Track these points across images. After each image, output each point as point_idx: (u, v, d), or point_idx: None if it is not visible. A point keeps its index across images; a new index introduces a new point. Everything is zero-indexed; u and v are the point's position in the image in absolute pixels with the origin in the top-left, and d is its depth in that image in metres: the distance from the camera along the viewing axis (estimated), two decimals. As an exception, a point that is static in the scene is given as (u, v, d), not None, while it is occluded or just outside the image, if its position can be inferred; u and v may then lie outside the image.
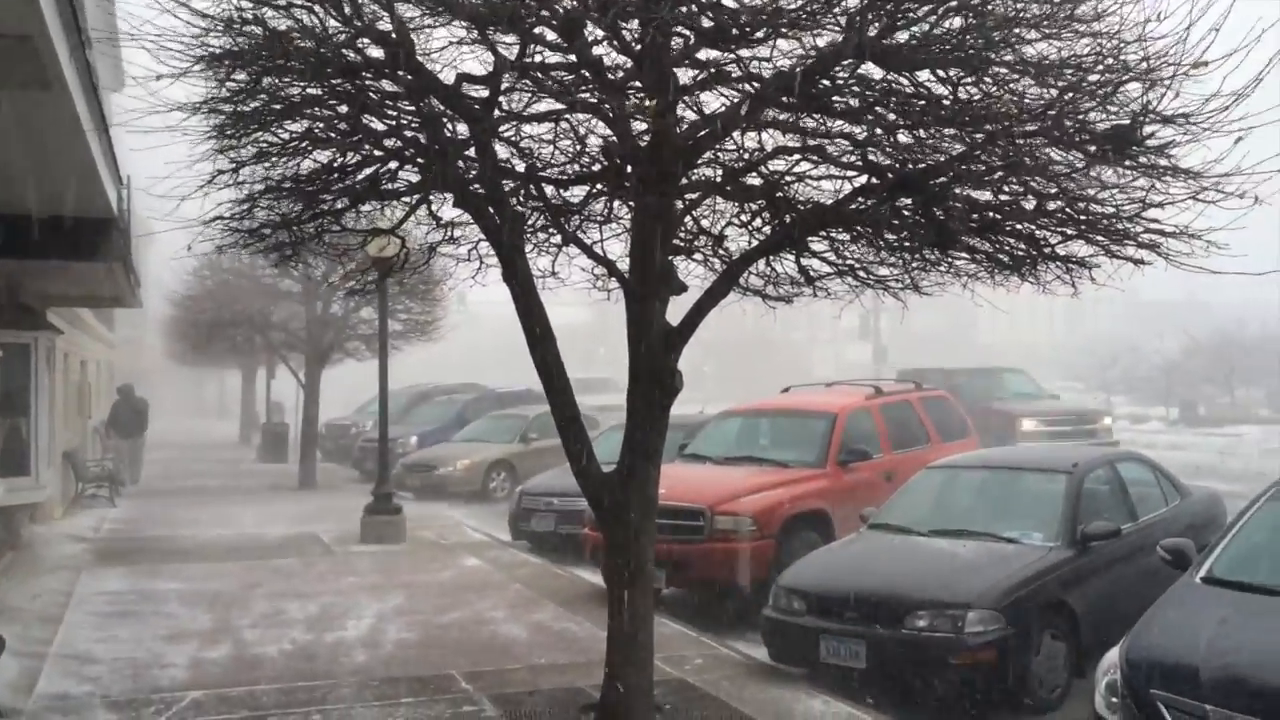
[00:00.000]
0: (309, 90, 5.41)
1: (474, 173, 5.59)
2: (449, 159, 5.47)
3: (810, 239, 6.09)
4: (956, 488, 8.48)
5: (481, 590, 9.88)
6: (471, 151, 5.62)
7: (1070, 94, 4.61)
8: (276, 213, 6.11)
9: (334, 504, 16.35)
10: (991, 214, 5.10)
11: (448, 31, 5.50)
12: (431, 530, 13.72)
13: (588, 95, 5.51)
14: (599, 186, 6.11)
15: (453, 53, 5.62)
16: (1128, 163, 4.61)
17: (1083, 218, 4.93)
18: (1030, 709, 6.40)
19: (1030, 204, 5.06)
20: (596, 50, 5.27)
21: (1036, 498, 7.71)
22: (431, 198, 6.42)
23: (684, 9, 4.96)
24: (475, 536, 13.48)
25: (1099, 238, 4.97)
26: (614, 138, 5.61)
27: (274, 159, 5.83)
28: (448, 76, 5.50)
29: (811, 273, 6.53)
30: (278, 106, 5.44)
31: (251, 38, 5.16)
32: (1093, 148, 4.55)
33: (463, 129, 5.62)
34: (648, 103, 4.96)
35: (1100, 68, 4.64)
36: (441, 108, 5.55)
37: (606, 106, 5.38)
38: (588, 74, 5.36)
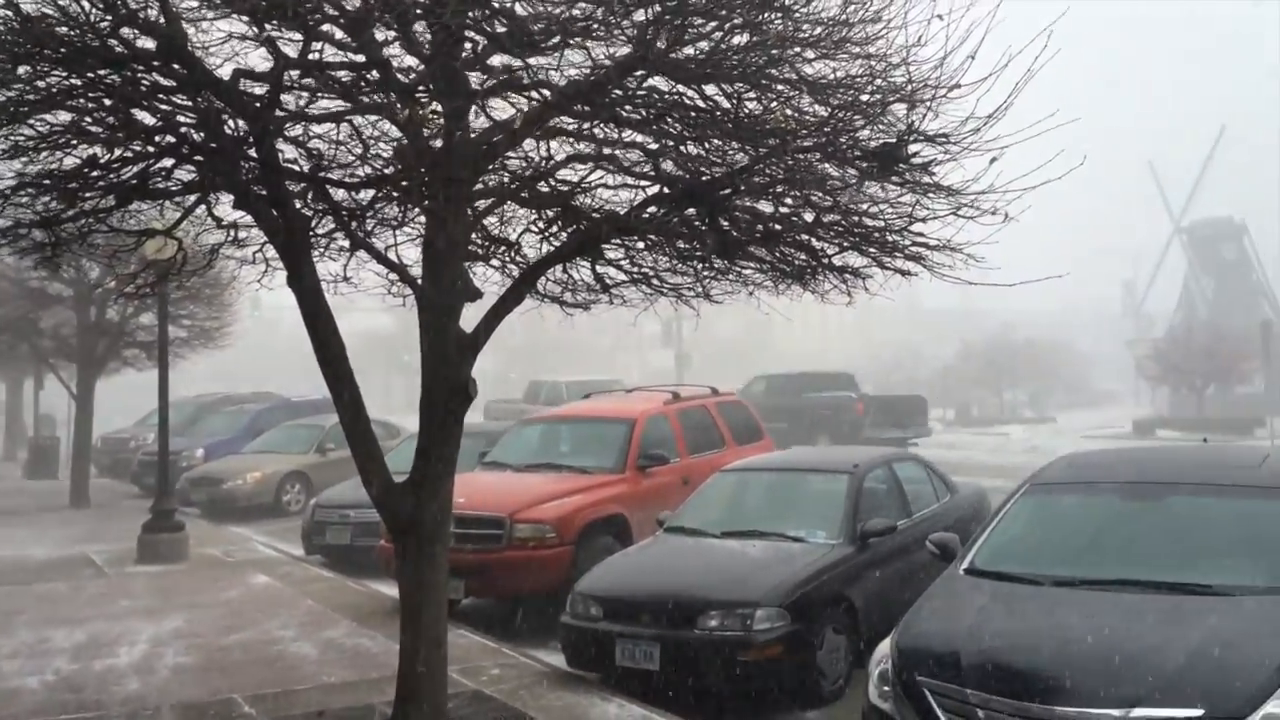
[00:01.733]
0: (70, 80, 5.05)
1: (254, 173, 5.36)
2: (227, 158, 5.22)
3: (605, 247, 6.16)
4: (748, 490, 8.77)
5: (270, 609, 9.46)
6: (253, 150, 5.39)
7: (844, 112, 4.86)
8: (34, 211, 5.66)
9: (109, 522, 15.32)
10: (773, 225, 5.31)
11: (229, 25, 5.27)
12: (217, 547, 13.05)
13: (378, 96, 5.39)
14: (389, 190, 5.97)
15: (236, 46, 5.38)
16: (895, 179, 4.89)
17: (856, 230, 5.20)
18: (815, 700, 6.66)
19: (809, 216, 5.30)
20: (388, 51, 5.17)
21: (821, 498, 8.05)
22: (211, 198, 6.11)
23: (474, 14, 4.92)
24: (265, 552, 12.90)
25: (871, 249, 5.25)
26: (405, 140, 5.52)
27: (31, 153, 5.40)
28: (232, 70, 5.26)
29: (607, 280, 6.60)
30: (33, 98, 5.04)
31: (4, 23, 4.77)
32: (864, 164, 4.81)
33: (245, 126, 5.38)
34: (428, 108, 4.87)
35: (871, 88, 4.91)
36: (220, 104, 5.29)
37: (399, 107, 5.27)
38: (377, 74, 5.24)
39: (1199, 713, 3.88)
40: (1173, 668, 4.09)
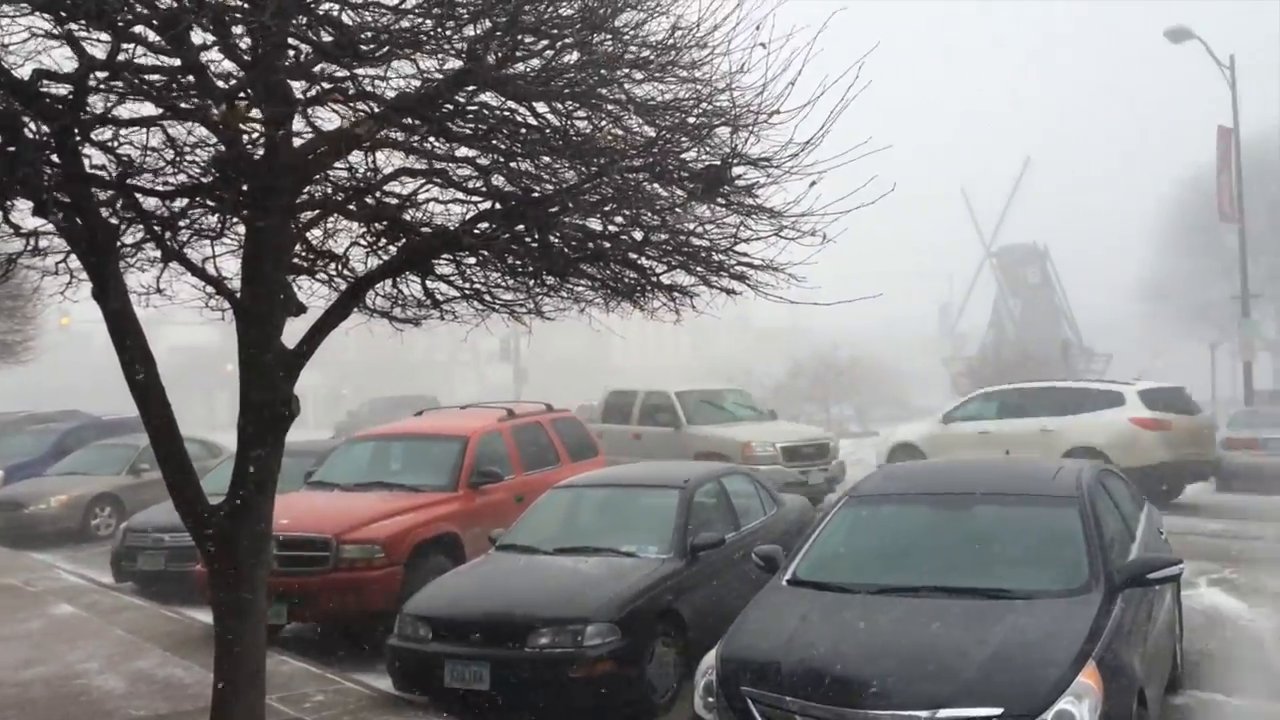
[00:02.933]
0: None
1: (56, 179, 5.05)
2: (25, 162, 4.90)
3: (436, 262, 6.09)
4: (581, 506, 8.79)
5: (74, 640, 8.87)
6: (55, 155, 5.08)
7: (671, 134, 4.97)
8: None
9: (-110, 553, 14.06)
10: (603, 243, 5.36)
11: (31, 21, 4.95)
12: (16, 576, 12.15)
13: (195, 100, 5.17)
14: (205, 199, 5.73)
15: (39, 44, 5.06)
16: (720, 200, 5.02)
17: (684, 250, 5.31)
18: (645, 714, 6.71)
19: (638, 235, 5.38)
20: (206, 56, 4.97)
21: (652, 513, 8.15)
22: (8, 204, 5.71)
23: (297, 21, 4.79)
24: (71, 580, 12.10)
25: (698, 268, 5.37)
26: (223, 148, 5.31)
27: None
28: (32, 71, 4.94)
29: (438, 295, 6.52)
30: None
31: None
32: (690, 185, 4.92)
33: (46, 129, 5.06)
34: (244, 112, 4.71)
35: (697, 112, 5.03)
36: (18, 105, 4.97)
37: (214, 113, 5.07)
38: (193, 79, 5.03)
39: (998, 711, 4.11)
40: (974, 669, 4.32)
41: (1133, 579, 5.17)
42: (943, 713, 4.17)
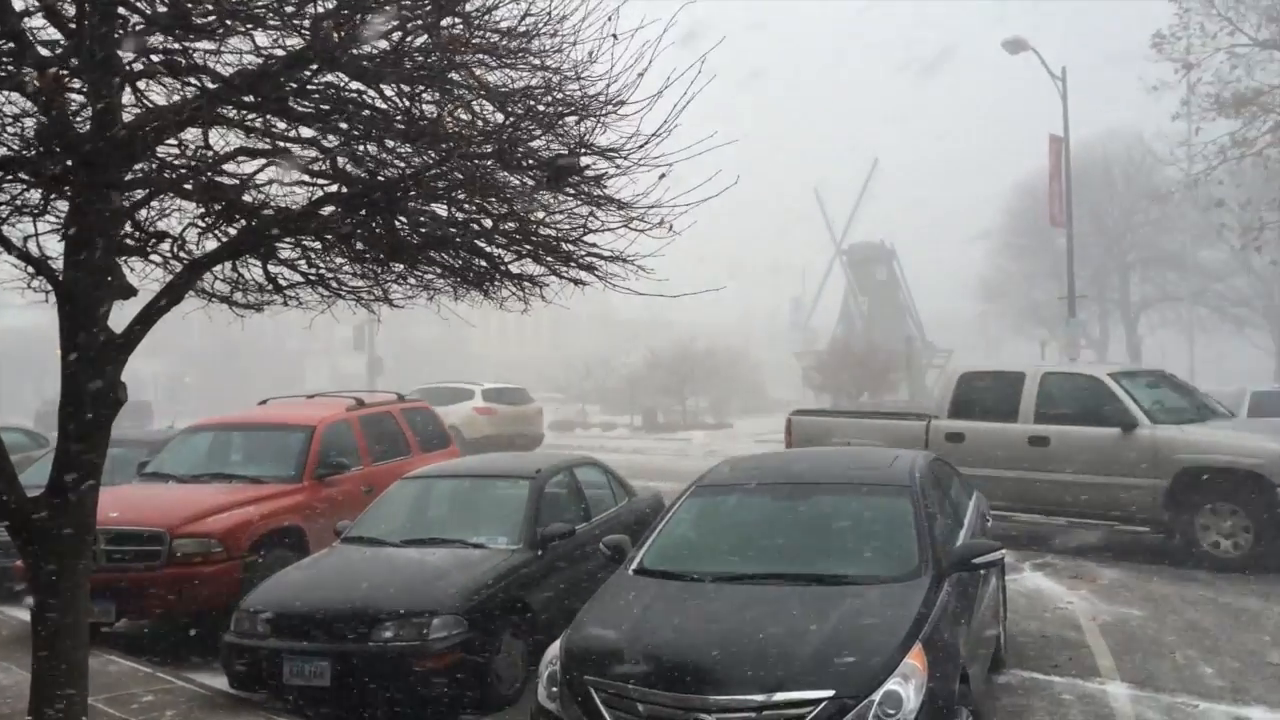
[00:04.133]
0: None
1: None
2: None
3: (279, 246, 5.89)
4: (430, 497, 8.66)
5: (-127, 645, 8.23)
6: None
7: (521, 121, 4.93)
8: None
9: None
10: (450, 230, 5.28)
11: None
12: None
13: (11, 68, 4.85)
14: (24, 173, 5.38)
15: None
16: (569, 190, 5.02)
17: (533, 239, 5.28)
18: (492, 705, 6.67)
19: (487, 223, 5.33)
20: (29, 22, 4.68)
21: (503, 503, 8.10)
22: None
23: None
24: (-128, 581, 11.19)
25: (547, 258, 5.35)
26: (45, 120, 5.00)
27: None
28: None
29: (280, 280, 6.31)
30: None
31: None
32: (539, 173, 4.90)
33: None
34: (61, 80, 4.45)
35: (547, 100, 5.01)
36: None
37: (32, 82, 4.77)
38: (13, 45, 4.73)
39: (830, 693, 4.25)
40: (809, 653, 4.46)
41: (959, 564, 5.42)
42: (778, 696, 4.28)
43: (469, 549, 7.48)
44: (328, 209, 5.49)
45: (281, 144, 5.49)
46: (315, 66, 4.93)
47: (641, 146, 4.71)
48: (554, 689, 4.78)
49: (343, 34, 4.79)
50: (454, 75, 5.04)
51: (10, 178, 5.31)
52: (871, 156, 60.09)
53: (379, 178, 5.11)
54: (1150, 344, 56.51)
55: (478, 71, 5.13)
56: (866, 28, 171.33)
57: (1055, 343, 37.06)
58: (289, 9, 4.71)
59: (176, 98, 5.23)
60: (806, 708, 4.25)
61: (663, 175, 5.10)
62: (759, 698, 4.28)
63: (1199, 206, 29.73)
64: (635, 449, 34.08)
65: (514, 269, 5.55)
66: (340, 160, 5.46)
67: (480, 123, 5.15)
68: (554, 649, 5.02)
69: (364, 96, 5.15)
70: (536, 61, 5.16)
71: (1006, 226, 57.58)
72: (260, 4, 4.67)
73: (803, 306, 71.50)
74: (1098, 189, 49.58)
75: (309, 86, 5.03)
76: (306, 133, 5.46)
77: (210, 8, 4.65)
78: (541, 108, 4.96)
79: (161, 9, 4.76)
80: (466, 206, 5.28)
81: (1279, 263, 25.87)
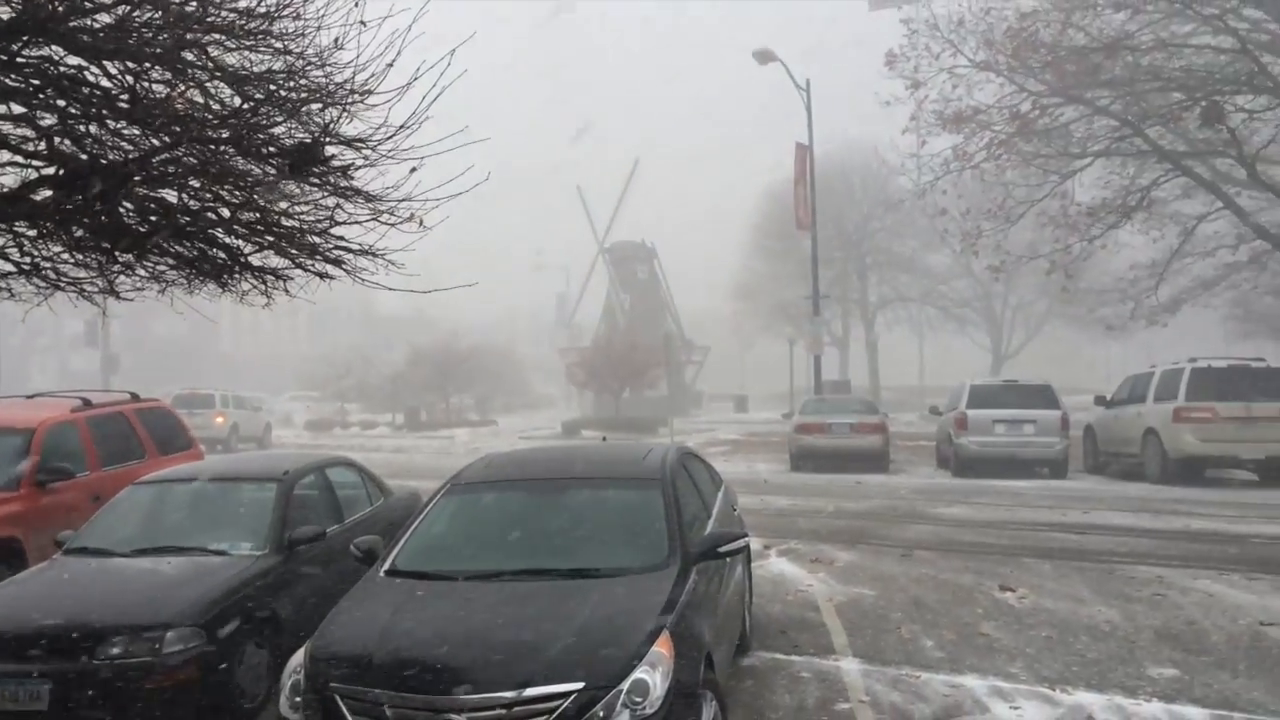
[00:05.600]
0: None
1: None
2: None
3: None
4: (167, 503, 8.10)
5: None
6: None
7: (261, 106, 4.71)
8: None
9: None
10: (183, 219, 4.98)
11: None
12: None
13: None
14: None
15: None
16: (314, 180, 4.84)
17: (275, 230, 5.06)
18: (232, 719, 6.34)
19: (225, 212, 5.05)
20: None
21: (248, 507, 7.69)
22: None
23: None
24: None
25: (291, 250, 5.14)
26: None
27: None
28: None
29: (-12, 269, 5.76)
30: None
31: None
32: (280, 161, 4.69)
33: None
34: None
35: (290, 85, 4.81)
36: None
37: None
38: None
39: (579, 685, 4.31)
40: (560, 647, 4.50)
41: (706, 553, 5.62)
42: (528, 691, 4.29)
43: (208, 556, 7.06)
44: (44, 193, 5.06)
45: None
46: (26, 38, 4.53)
47: (390, 138, 4.60)
48: (297, 699, 4.60)
49: (59, 4, 4.42)
50: (187, 55, 4.76)
51: None
52: (633, 157, 61.29)
53: (101, 161, 4.74)
54: (886, 341, 60.77)
55: (213, 52, 4.87)
56: (637, 32, 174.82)
57: (803, 340, 39.10)
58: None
59: None
60: (557, 701, 4.29)
61: (414, 169, 5.01)
62: (509, 694, 4.28)
63: (926, 214, 32.18)
64: (396, 448, 33.35)
65: (255, 261, 5.31)
66: (57, 140, 5.03)
67: (216, 106, 4.89)
68: (298, 657, 4.83)
69: (84, 73, 4.78)
70: (279, 45, 4.95)
71: (758, 229, 60.30)
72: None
73: (567, 303, 72.13)
74: (839, 195, 52.76)
75: (19, 59, 4.61)
76: (18, 109, 5.01)
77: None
78: (283, 93, 4.76)
79: None
80: (201, 194, 4.99)
81: (995, 267, 28.37)
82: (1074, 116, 26.54)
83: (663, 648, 4.55)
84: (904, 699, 6.24)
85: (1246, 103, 24.40)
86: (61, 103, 4.60)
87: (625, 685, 4.34)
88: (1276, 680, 6.46)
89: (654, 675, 4.42)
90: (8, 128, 5.12)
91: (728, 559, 6.05)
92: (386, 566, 5.65)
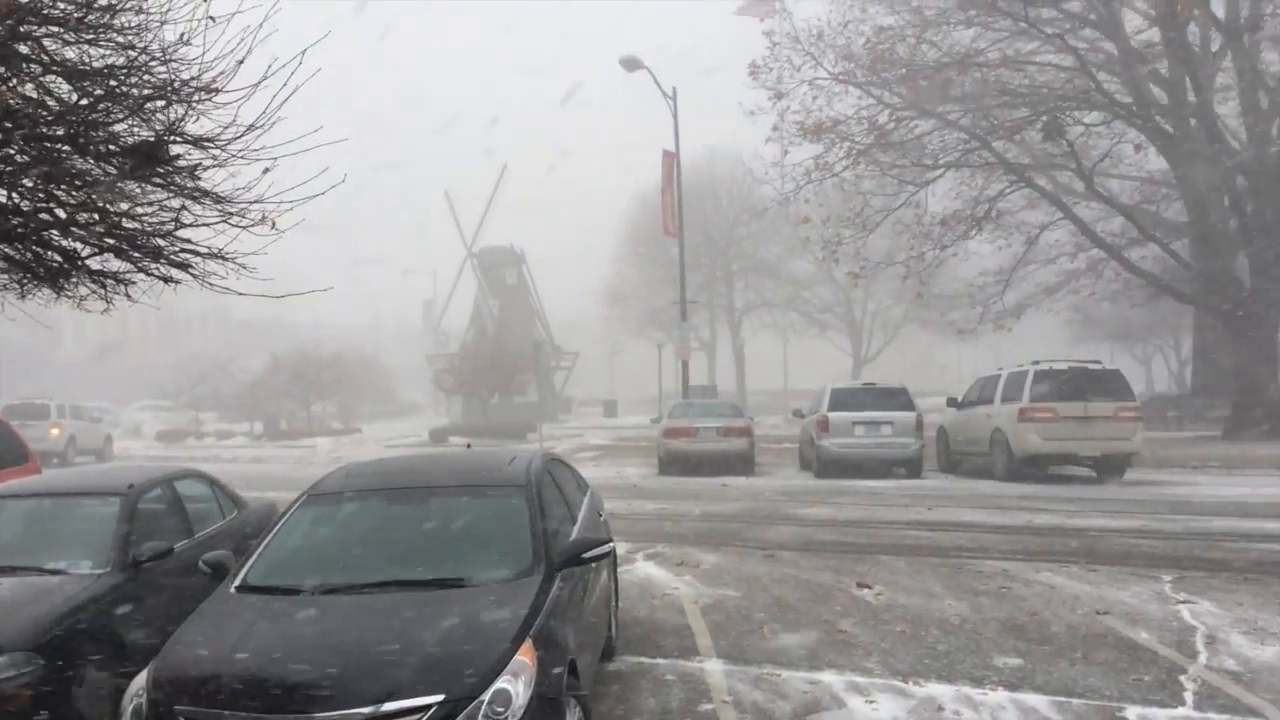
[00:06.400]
0: None
1: None
2: None
3: None
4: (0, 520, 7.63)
5: None
6: None
7: (101, 102, 4.49)
8: None
9: None
10: (16, 220, 4.70)
11: None
12: None
13: None
14: None
15: None
16: (158, 180, 4.64)
17: (116, 232, 4.82)
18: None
19: (61, 213, 4.79)
20: None
21: (89, 523, 7.30)
22: None
23: None
24: None
25: (134, 254, 4.91)
26: None
27: None
28: None
29: None
30: None
31: None
32: (122, 160, 4.48)
33: None
34: None
35: (133, 81, 4.60)
36: None
37: None
38: None
39: (440, 698, 4.23)
40: (420, 659, 4.41)
41: (570, 559, 5.60)
42: (387, 706, 4.20)
43: (44, 576, 6.67)
44: None
45: None
46: None
47: (240, 137, 4.44)
48: (139, 723, 4.38)
49: None
50: (20, 48, 4.50)
51: None
52: (502, 162, 60.90)
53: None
54: (752, 346, 61.97)
55: (50, 45, 4.61)
56: (507, 39, 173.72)
57: (671, 345, 39.51)
58: None
59: None
60: (417, 714, 4.21)
61: (267, 169, 4.85)
62: (366, 710, 4.17)
63: (790, 222, 32.98)
64: (254, 458, 32.25)
65: (94, 265, 5.04)
66: None
67: (52, 102, 4.63)
68: (141, 679, 4.61)
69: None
70: (121, 39, 4.73)
71: (629, 235, 60.73)
72: None
73: (434, 309, 71.12)
74: (707, 203, 53.61)
75: None
76: None
77: None
78: (125, 89, 4.54)
79: None
80: (34, 194, 4.72)
81: (854, 274, 29.24)
82: (927, 129, 27.62)
83: (525, 656, 4.52)
84: (765, 697, 6.36)
85: (1085, 118, 25.83)
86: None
87: (487, 696, 4.29)
88: (1111, 666, 6.83)
89: (516, 684, 4.39)
90: None
91: (593, 565, 6.05)
92: (237, 582, 5.44)
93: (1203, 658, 7.01)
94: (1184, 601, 8.62)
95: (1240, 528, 12.93)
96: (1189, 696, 6.21)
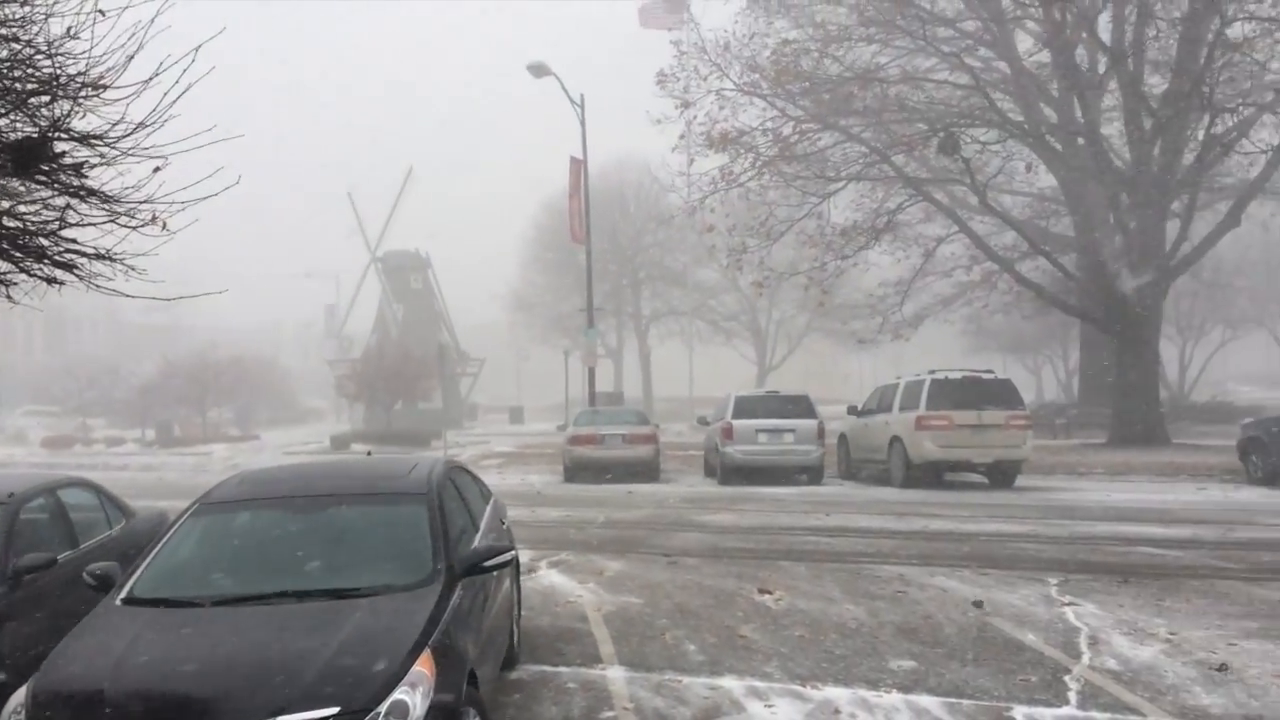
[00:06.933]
0: None
1: None
2: None
3: None
4: None
5: None
6: None
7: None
8: None
9: None
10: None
11: None
12: None
13: None
14: None
15: None
16: (42, 178, 4.47)
17: (-4, 232, 4.63)
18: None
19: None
20: None
21: (-36, 536, 6.97)
22: None
23: None
24: None
25: (15, 254, 4.72)
26: None
27: None
28: None
29: None
30: None
31: None
32: (4, 158, 4.31)
33: None
34: None
35: (16, 75, 4.43)
36: None
37: None
38: None
39: (335, 711, 4.15)
40: (314, 672, 4.32)
41: (472, 568, 5.56)
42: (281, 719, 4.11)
43: (-86, 593, 6.35)
44: None
45: None
46: None
47: (130, 134, 4.30)
48: (17, 743, 4.21)
49: None
50: None
51: None
52: (407, 165, 60.13)
53: None
54: (659, 353, 62.30)
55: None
56: (416, 41, 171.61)
57: (577, 352, 39.51)
58: None
59: None
60: (311, 728, 4.12)
61: (158, 168, 4.71)
62: (259, 725, 4.08)
63: (696, 230, 33.27)
64: (146, 465, 31.23)
65: (-29, 264, 4.83)
66: None
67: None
68: (18, 697, 4.42)
69: None
70: (4, 32, 4.54)
71: (536, 241, 60.51)
72: None
73: (337, 314, 69.82)
74: (614, 210, 53.73)
75: None
76: None
77: None
78: (7, 83, 4.37)
79: None
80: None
81: (758, 283, 29.64)
82: (830, 142, 28.18)
83: (424, 667, 4.47)
84: (666, 704, 6.39)
85: (979, 135, 26.66)
86: None
87: (383, 708, 4.23)
88: (1000, 667, 7.05)
89: (414, 695, 4.33)
90: None
91: (495, 573, 6.02)
92: (124, 594, 5.26)
93: (1086, 658, 7.27)
94: (1069, 604, 8.94)
95: (1122, 532, 13.47)
96: (1073, 696, 6.44)
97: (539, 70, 29.29)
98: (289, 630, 4.72)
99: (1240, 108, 24.44)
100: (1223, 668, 6.94)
